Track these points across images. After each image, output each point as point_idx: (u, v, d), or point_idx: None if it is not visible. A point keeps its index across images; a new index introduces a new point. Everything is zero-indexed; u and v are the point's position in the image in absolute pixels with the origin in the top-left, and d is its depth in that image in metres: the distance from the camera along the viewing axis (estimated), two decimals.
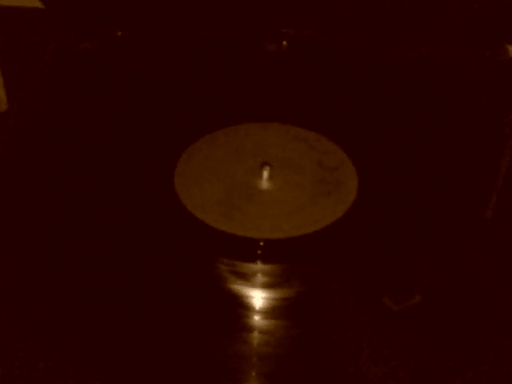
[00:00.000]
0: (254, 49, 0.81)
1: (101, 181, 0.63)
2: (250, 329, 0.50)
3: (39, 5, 0.78)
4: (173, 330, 0.49)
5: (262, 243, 0.57)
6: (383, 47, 0.79)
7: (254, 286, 0.54)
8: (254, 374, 0.48)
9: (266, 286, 0.54)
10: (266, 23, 0.80)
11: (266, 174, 0.62)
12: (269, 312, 0.52)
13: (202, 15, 0.79)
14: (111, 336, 0.49)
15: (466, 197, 0.62)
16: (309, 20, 0.79)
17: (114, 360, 0.47)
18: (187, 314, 0.51)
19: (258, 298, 0.53)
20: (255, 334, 0.50)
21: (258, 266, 0.56)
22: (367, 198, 0.61)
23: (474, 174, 0.65)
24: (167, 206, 0.60)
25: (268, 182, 0.63)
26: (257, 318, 0.51)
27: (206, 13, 0.78)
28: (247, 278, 0.54)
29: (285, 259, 0.56)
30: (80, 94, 0.74)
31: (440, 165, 0.65)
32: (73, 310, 0.51)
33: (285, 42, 0.80)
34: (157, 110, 0.71)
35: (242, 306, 0.52)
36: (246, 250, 0.57)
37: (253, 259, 0.56)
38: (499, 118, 0.71)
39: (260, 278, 0.55)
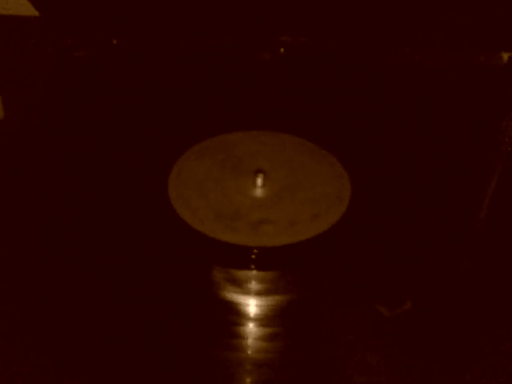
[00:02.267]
0: (251, 56, 0.81)
1: (95, 189, 0.63)
2: (244, 336, 0.50)
3: (35, 13, 0.78)
4: (167, 337, 0.49)
5: (255, 250, 0.57)
6: (379, 54, 0.79)
7: (248, 293, 0.54)
8: (248, 381, 0.48)
9: (260, 293, 0.54)
10: (263, 31, 0.80)
11: (259, 181, 0.63)
12: (263, 319, 0.52)
13: (198, 23, 0.79)
14: (105, 342, 0.49)
15: (458, 204, 0.62)
16: (306, 28, 0.80)
17: (109, 366, 0.48)
18: (181, 321, 0.51)
19: (252, 305, 0.53)
20: (249, 341, 0.50)
21: (252, 273, 0.56)
22: (360, 205, 0.61)
23: (466, 181, 0.65)
24: (161, 213, 0.60)
25: (262, 189, 0.63)
26: (251, 325, 0.51)
27: (202, 20, 0.79)
28: (241, 286, 0.54)
29: (279, 266, 0.56)
30: (76, 101, 0.74)
31: (433, 172, 0.65)
32: (67, 317, 0.51)
33: (282, 50, 0.80)
34: (151, 118, 0.72)
35: (236, 313, 0.52)
36: (240, 257, 0.57)
37: (247, 266, 0.56)
38: (492, 126, 0.71)
39: (254, 285, 0.55)
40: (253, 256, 0.57)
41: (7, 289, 0.53)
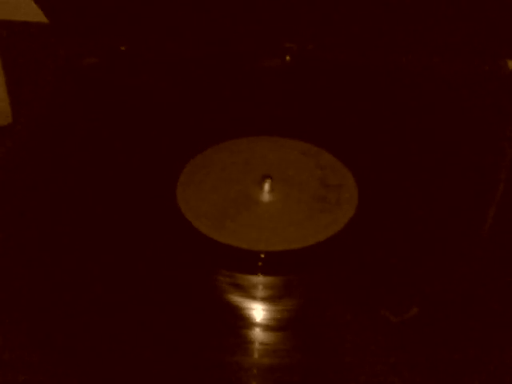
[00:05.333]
0: (257, 63, 0.81)
1: (104, 192, 0.63)
2: (250, 341, 0.51)
3: (44, 19, 0.79)
4: (172, 342, 0.50)
5: (262, 255, 0.58)
6: (385, 62, 0.80)
7: (254, 297, 0.54)
8: None
9: (266, 298, 0.54)
10: (269, 38, 0.80)
11: (267, 186, 0.63)
12: (269, 324, 0.52)
13: (205, 30, 0.79)
14: (110, 346, 0.49)
15: (464, 210, 0.62)
16: (311, 34, 0.80)
17: (113, 371, 0.48)
18: (187, 325, 0.51)
19: (258, 309, 0.53)
20: (255, 346, 0.50)
21: (259, 277, 0.56)
22: (367, 211, 0.61)
23: (472, 188, 0.65)
24: (169, 217, 0.61)
25: (269, 194, 0.63)
26: (257, 329, 0.51)
27: (208, 27, 0.79)
28: (247, 290, 0.55)
29: (285, 271, 0.57)
30: (84, 107, 0.74)
31: (439, 179, 0.66)
32: (68, 320, 0.51)
33: (288, 57, 0.81)
34: (160, 123, 0.72)
35: (242, 318, 0.52)
36: (246, 261, 0.57)
37: (253, 271, 0.56)
38: (498, 133, 0.71)
39: (260, 289, 0.55)
40: (259, 261, 0.57)
41: (17, 288, 0.53)
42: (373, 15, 0.76)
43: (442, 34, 0.77)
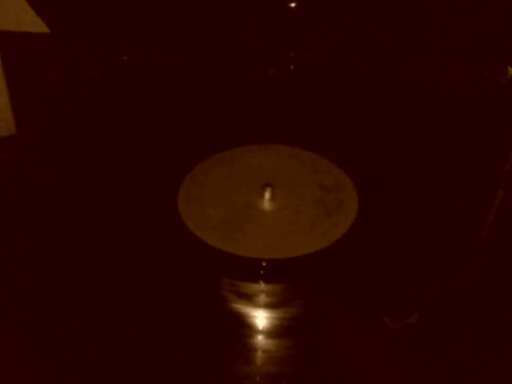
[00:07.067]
0: (260, 72, 0.81)
1: (106, 202, 0.63)
2: (252, 348, 0.51)
3: (46, 30, 0.79)
4: (175, 350, 0.50)
5: (264, 263, 0.58)
6: (385, 69, 0.80)
7: (256, 305, 0.54)
8: None
9: (268, 306, 0.54)
10: (272, 47, 0.81)
11: (267, 194, 0.63)
12: (271, 331, 0.52)
13: (208, 40, 0.79)
14: (111, 353, 0.49)
15: (463, 216, 0.62)
16: (314, 44, 0.80)
17: (113, 377, 0.48)
18: (189, 333, 0.51)
19: (260, 317, 0.53)
20: (258, 354, 0.50)
21: (261, 285, 0.56)
22: (367, 218, 0.62)
23: (472, 193, 0.65)
24: (170, 226, 0.61)
25: (270, 202, 0.63)
26: (259, 337, 0.51)
27: (211, 37, 0.79)
28: (249, 298, 0.55)
29: (286, 279, 0.57)
30: (87, 117, 0.75)
31: (439, 185, 0.66)
32: (71, 327, 0.51)
33: (292, 66, 0.81)
34: (161, 133, 0.72)
35: (244, 326, 0.52)
36: (248, 270, 0.57)
37: (255, 279, 0.57)
38: (498, 139, 0.71)
39: (262, 297, 0.55)
40: (261, 269, 0.57)
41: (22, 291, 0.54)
42: (374, 23, 0.77)
43: (443, 41, 0.77)
